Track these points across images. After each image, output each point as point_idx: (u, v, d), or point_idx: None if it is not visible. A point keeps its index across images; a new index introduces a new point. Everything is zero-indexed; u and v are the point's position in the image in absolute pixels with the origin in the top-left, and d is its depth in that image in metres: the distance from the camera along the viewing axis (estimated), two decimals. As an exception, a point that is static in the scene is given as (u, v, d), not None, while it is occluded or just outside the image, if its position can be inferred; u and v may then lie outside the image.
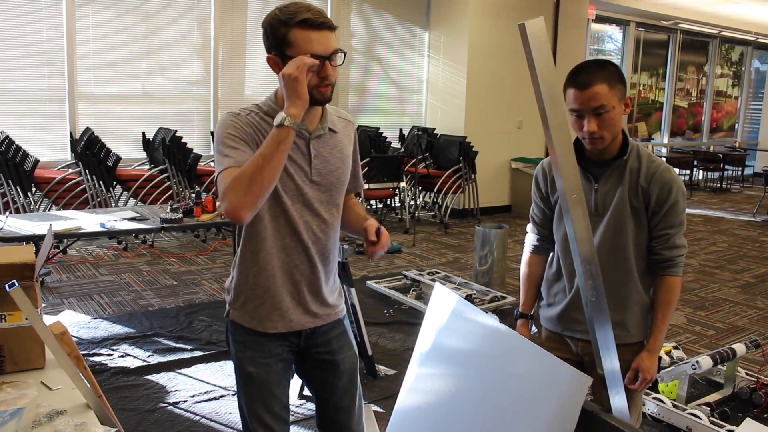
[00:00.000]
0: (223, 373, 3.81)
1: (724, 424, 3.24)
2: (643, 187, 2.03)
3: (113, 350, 4.08)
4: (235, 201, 1.62)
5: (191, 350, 4.13)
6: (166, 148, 6.61)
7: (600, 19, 10.92)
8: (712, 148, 14.09)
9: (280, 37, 1.70)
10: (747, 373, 3.85)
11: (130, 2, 6.96)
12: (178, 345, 4.20)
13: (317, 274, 1.91)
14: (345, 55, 1.77)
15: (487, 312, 1.92)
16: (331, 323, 1.98)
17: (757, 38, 13.50)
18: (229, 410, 3.39)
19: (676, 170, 12.05)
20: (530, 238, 2.32)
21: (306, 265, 1.88)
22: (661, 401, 3.44)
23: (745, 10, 11.52)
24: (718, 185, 12.98)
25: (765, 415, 3.54)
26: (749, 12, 11.67)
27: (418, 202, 8.60)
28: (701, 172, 13.08)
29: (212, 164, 7.34)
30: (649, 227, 2.08)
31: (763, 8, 11.26)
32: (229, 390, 3.60)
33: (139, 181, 6.56)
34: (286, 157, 1.70)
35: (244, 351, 1.90)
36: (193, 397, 3.52)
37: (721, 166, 12.69)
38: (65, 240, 5.59)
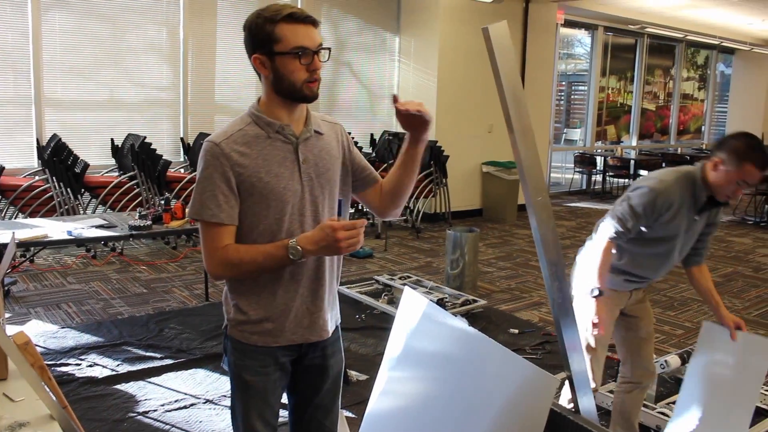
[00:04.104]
0: (193, 382, 3.78)
1: (692, 422, 3.29)
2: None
3: (81, 360, 4.02)
4: (221, 275, 1.78)
5: (161, 359, 4.08)
6: (135, 155, 6.54)
7: (569, 24, 11.04)
8: (679, 150, 14.33)
9: (267, 35, 1.69)
10: (714, 372, 3.90)
11: (98, 7, 6.88)
12: (147, 353, 4.14)
13: (323, 282, 1.87)
14: (330, 51, 1.77)
15: (456, 315, 1.92)
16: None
17: (722, 42, 13.75)
18: (200, 419, 3.36)
19: (644, 172, 12.25)
20: (614, 232, 2.59)
21: (311, 273, 1.84)
22: (631, 401, 3.47)
23: (710, 15, 11.73)
24: (686, 187, 13.15)
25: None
26: (713, 17, 11.88)
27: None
28: (669, 174, 13.27)
29: (182, 170, 7.29)
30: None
31: (727, 13, 11.47)
32: (199, 398, 3.57)
33: (108, 188, 6.47)
34: None
35: (243, 360, 1.87)
36: (163, 406, 3.48)
37: (689, 168, 12.87)
38: (32, 248, 5.51)
